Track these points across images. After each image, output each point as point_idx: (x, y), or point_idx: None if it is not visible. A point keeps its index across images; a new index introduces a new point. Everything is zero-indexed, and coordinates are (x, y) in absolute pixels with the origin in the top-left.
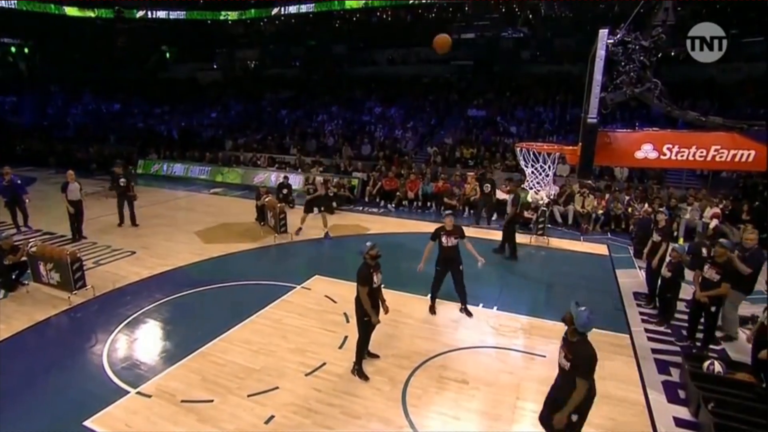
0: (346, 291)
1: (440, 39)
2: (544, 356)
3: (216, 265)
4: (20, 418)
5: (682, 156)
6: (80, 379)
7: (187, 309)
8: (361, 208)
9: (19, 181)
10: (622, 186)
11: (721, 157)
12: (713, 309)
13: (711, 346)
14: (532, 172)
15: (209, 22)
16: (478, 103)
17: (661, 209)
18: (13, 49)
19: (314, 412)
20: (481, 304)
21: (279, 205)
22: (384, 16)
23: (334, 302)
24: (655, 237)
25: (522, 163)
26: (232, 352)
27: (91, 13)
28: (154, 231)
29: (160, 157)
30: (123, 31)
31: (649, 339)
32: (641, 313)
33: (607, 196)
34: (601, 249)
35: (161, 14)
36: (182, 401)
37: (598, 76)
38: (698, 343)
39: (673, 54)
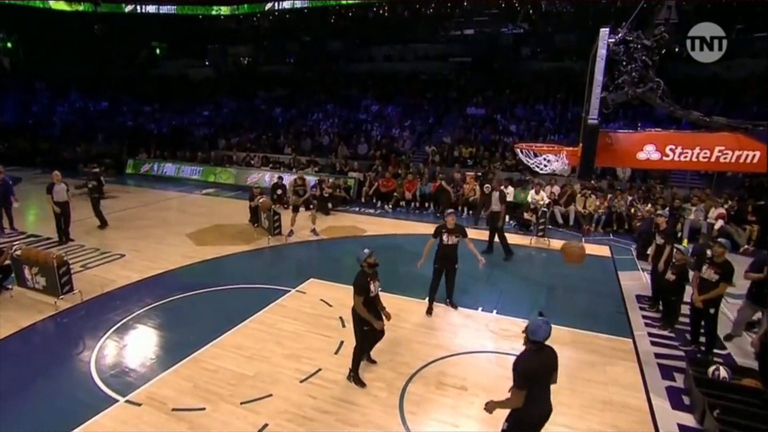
0: (342, 295)
1: (573, 254)
2: None
3: (208, 268)
4: (4, 428)
5: (685, 157)
6: (67, 388)
7: (179, 314)
8: (357, 209)
9: (10, 182)
10: (625, 186)
11: (725, 158)
12: (712, 311)
13: (716, 351)
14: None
15: (201, 17)
16: (477, 101)
17: (660, 212)
18: None
19: (309, 419)
20: (480, 308)
21: (273, 206)
22: (381, 12)
23: (330, 306)
24: (658, 240)
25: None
26: (225, 358)
27: (78, 7)
28: (144, 233)
29: (150, 157)
30: (100, 22)
31: (653, 343)
32: (644, 317)
33: (609, 196)
34: (603, 250)
35: (150, 9)
36: (173, 409)
37: (598, 76)
38: (703, 347)
39: (677, 50)
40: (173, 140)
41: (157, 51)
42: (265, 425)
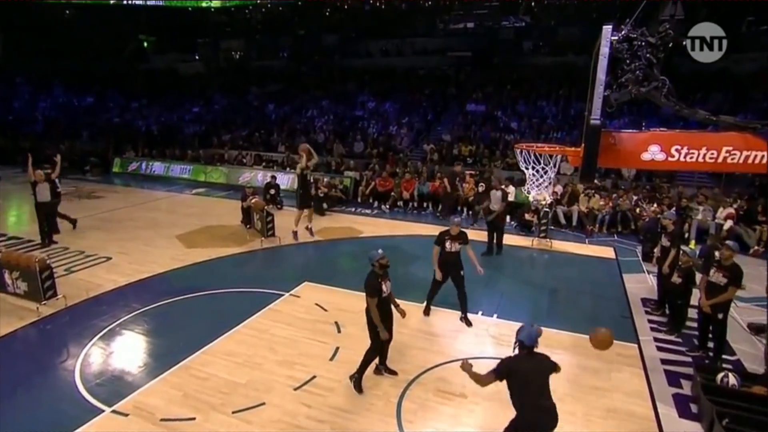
0: (338, 299)
1: (602, 341)
2: None
3: (198, 271)
4: None
5: (691, 158)
6: (50, 398)
7: (168, 319)
8: (353, 209)
9: None
10: (630, 185)
11: (732, 158)
12: (720, 316)
13: (725, 356)
14: (533, 174)
15: (190, 9)
16: (477, 97)
17: (663, 215)
18: None
19: (303, 429)
20: (480, 312)
21: (266, 206)
22: (377, 4)
23: (325, 311)
24: (664, 241)
25: (522, 165)
26: (216, 366)
27: None
28: (131, 235)
29: (138, 155)
30: (73, 8)
31: (659, 349)
32: (650, 321)
33: (613, 195)
34: (608, 252)
35: (138, 0)
36: (162, 420)
37: (601, 74)
38: (711, 353)
39: (684, 44)
40: (162, 138)
41: (145, 44)
42: None
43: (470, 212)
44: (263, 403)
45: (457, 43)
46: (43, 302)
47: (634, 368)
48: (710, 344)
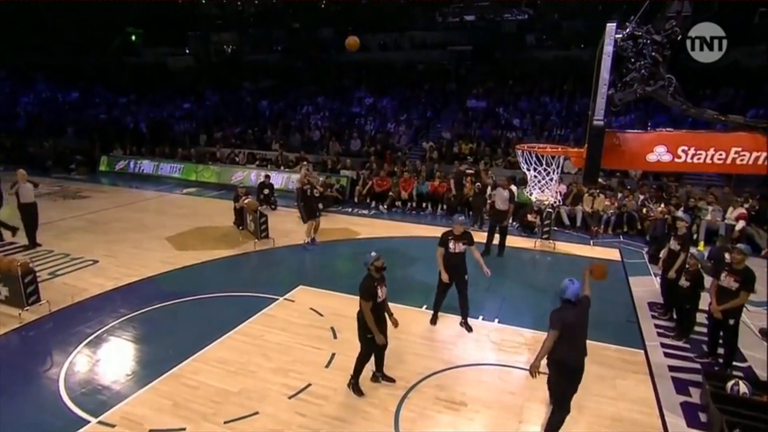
0: (334, 303)
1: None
2: None
3: (189, 274)
4: None
5: (698, 159)
6: (33, 408)
7: (157, 325)
8: (350, 209)
9: None
10: (636, 184)
11: (742, 159)
12: (731, 322)
13: (736, 363)
14: (534, 176)
15: (180, 0)
16: (477, 92)
17: (679, 214)
18: None
19: None
20: (481, 317)
21: (259, 207)
22: None
23: (321, 315)
24: (673, 245)
25: (523, 166)
26: (207, 373)
27: None
28: (119, 237)
29: (126, 153)
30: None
31: (666, 355)
32: (657, 326)
33: (619, 195)
34: (613, 254)
35: None
36: (150, 430)
37: (605, 74)
38: (721, 360)
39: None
40: (151, 135)
41: (133, 38)
42: None
43: (470, 213)
44: (256, 413)
45: (457, 36)
46: (26, 308)
47: (641, 375)
48: (720, 350)
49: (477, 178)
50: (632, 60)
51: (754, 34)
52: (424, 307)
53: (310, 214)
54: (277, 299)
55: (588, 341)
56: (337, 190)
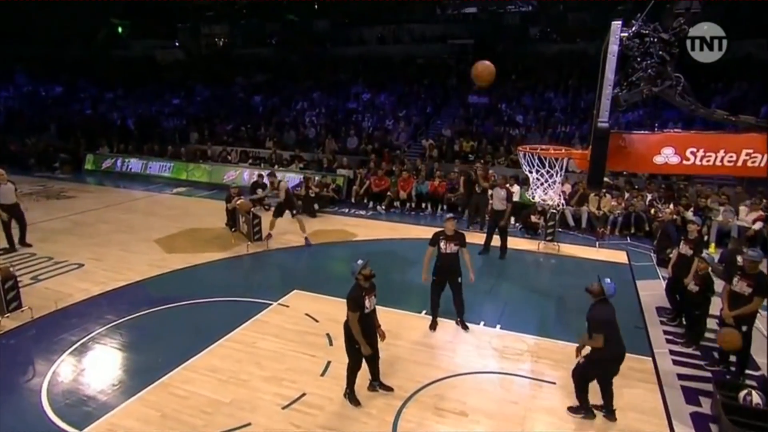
0: (330, 308)
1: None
2: (554, 383)
3: (179, 278)
4: None
5: (708, 161)
6: (13, 421)
7: (145, 332)
8: (346, 210)
9: None
10: (644, 184)
11: (753, 162)
12: (744, 329)
13: (749, 372)
14: (537, 178)
15: None
16: (479, 88)
17: (690, 216)
18: None
19: None
20: (482, 322)
21: (252, 208)
22: None
23: (316, 321)
24: (684, 249)
25: (525, 168)
26: (198, 383)
27: None
28: (105, 239)
29: (113, 151)
30: None
31: (675, 363)
32: (665, 332)
33: (626, 195)
34: (620, 256)
35: None
36: None
37: (609, 74)
38: (733, 368)
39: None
40: (139, 132)
41: (119, 29)
42: None
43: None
44: (249, 424)
45: (458, 29)
46: (6, 315)
47: (649, 384)
48: (732, 358)
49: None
50: (638, 59)
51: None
52: (423, 312)
53: (276, 213)
54: (271, 304)
55: None
56: (333, 190)
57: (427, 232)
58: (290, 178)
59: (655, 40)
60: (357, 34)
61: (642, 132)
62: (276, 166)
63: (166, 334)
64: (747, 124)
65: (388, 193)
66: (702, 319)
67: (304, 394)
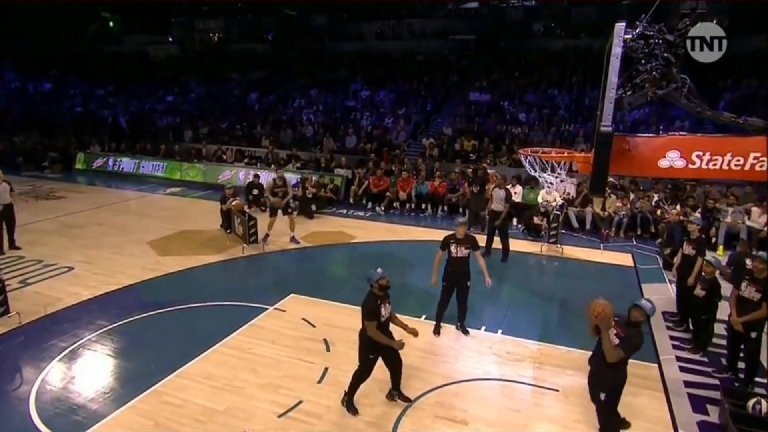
0: (327, 313)
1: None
2: (557, 390)
3: (173, 282)
4: None
5: (714, 165)
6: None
7: (137, 338)
8: (345, 210)
9: None
10: (650, 184)
11: (761, 165)
12: (753, 335)
13: (758, 379)
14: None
15: None
16: (481, 85)
17: (690, 218)
18: None
19: None
20: (483, 327)
21: (248, 209)
22: None
23: (313, 327)
24: (687, 249)
25: (528, 170)
26: (192, 390)
27: None
28: (97, 241)
29: (104, 150)
30: None
31: (682, 369)
32: (672, 338)
33: (631, 196)
34: (625, 259)
35: None
36: None
37: (613, 77)
38: (741, 375)
39: (714, 22)
40: (131, 130)
41: (111, 24)
42: None
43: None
44: None
45: (459, 24)
46: None
47: (654, 392)
48: (741, 365)
49: (475, 178)
50: (643, 61)
51: None
52: (423, 317)
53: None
54: (267, 309)
55: None
56: (331, 191)
57: (427, 233)
58: (287, 177)
59: (660, 41)
60: (355, 30)
61: (646, 135)
62: (272, 166)
63: (159, 340)
64: (755, 127)
65: (388, 194)
66: (709, 324)
67: (300, 402)
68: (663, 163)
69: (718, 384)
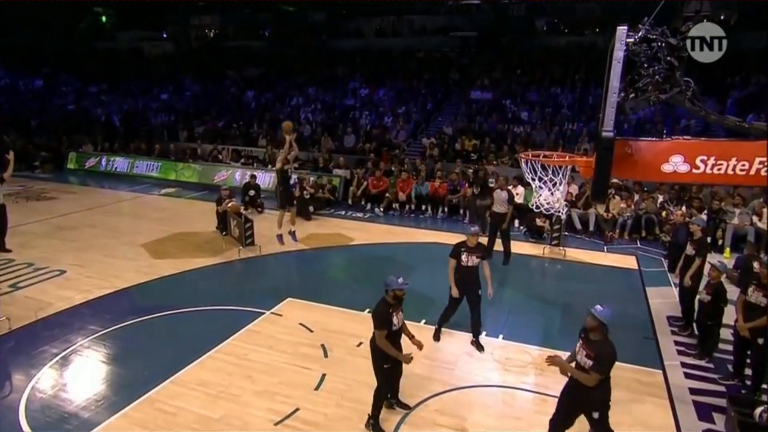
0: (325, 317)
1: None
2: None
3: (167, 286)
4: None
5: (719, 170)
6: None
7: (131, 344)
8: (343, 212)
9: None
10: (655, 185)
11: (766, 170)
12: (760, 341)
13: (765, 387)
14: (540, 186)
15: None
16: (482, 83)
17: (692, 219)
18: None
19: None
20: (484, 332)
21: (244, 210)
22: None
23: (310, 332)
24: (689, 249)
25: (528, 176)
26: (186, 398)
27: None
28: (89, 244)
29: (97, 149)
30: None
31: (687, 376)
32: (677, 343)
33: (635, 197)
34: (629, 261)
35: None
36: None
37: (615, 81)
38: (748, 382)
39: (721, 18)
40: (125, 129)
41: (104, 19)
42: None
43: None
44: None
45: (460, 21)
46: None
47: (659, 399)
48: (747, 371)
49: (476, 178)
50: (645, 65)
51: None
52: (423, 321)
53: (288, 200)
54: (264, 313)
55: None
56: (329, 191)
57: (427, 235)
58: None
59: (663, 44)
60: (354, 26)
61: (649, 139)
62: (269, 166)
63: (152, 345)
64: (761, 131)
65: (387, 195)
66: (715, 330)
67: (297, 410)
68: (666, 168)
69: (724, 391)
